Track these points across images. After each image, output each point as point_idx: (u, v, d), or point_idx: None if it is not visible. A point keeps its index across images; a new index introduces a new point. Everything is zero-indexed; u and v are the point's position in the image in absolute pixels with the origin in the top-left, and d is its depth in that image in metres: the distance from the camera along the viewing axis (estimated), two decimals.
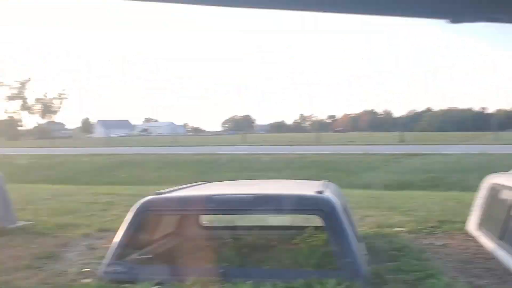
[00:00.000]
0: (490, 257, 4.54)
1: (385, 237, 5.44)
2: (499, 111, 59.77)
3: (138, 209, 4.04)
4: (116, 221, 6.65)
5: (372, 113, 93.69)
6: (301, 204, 3.94)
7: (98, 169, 16.69)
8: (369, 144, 23.34)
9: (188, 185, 5.21)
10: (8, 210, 6.46)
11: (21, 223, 6.51)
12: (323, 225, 3.92)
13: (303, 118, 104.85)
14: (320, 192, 3.99)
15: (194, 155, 18.18)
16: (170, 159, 18.00)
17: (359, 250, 3.85)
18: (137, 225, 4.01)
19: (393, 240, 5.28)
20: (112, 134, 45.98)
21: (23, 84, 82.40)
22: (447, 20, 0.68)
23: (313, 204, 3.90)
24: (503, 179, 5.23)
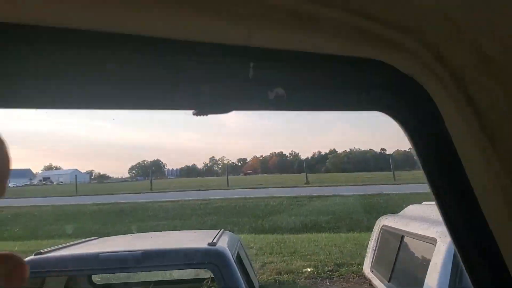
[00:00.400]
0: None
1: (283, 285, 5.52)
2: (397, 151, 64.61)
3: None
4: None
5: (280, 155, 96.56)
6: (192, 258, 3.87)
7: None
8: (277, 186, 23.89)
9: (76, 242, 4.91)
10: None
11: None
12: (215, 279, 3.88)
13: (214, 161, 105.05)
14: (212, 244, 3.97)
15: (96, 204, 17.26)
16: (69, 209, 16.93)
17: None
18: None
19: (291, 287, 5.37)
20: (10, 185, 42.20)
21: None
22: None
23: (204, 257, 3.85)
24: (391, 221, 5.55)
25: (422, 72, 0.79)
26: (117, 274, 5.76)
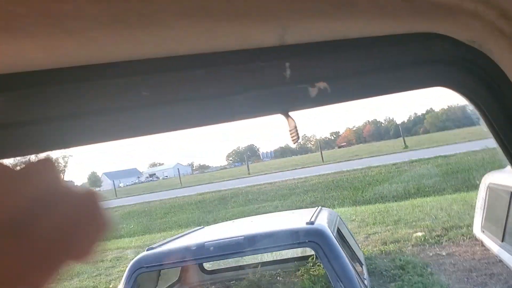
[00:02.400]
0: (495, 261, 4.46)
1: (389, 255, 5.37)
2: None
3: (131, 268, 4.02)
4: (121, 279, 6.63)
5: (374, 122, 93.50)
6: (292, 239, 3.90)
7: None
8: (374, 155, 23.24)
9: (181, 234, 5.19)
10: None
11: None
12: (317, 256, 3.88)
13: (306, 138, 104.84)
14: (310, 222, 3.96)
15: (200, 194, 18.12)
16: (176, 202, 17.97)
17: (358, 276, 3.79)
18: (132, 285, 3.98)
19: (397, 257, 5.20)
20: (120, 185, 45.99)
21: None
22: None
23: (304, 237, 3.86)
24: (499, 177, 5.14)
25: (485, 37, 0.68)
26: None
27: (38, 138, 0.65)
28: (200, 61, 0.66)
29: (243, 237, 3.93)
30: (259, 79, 0.68)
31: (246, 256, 5.98)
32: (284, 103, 0.70)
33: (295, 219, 4.84)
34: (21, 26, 0.54)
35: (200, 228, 5.64)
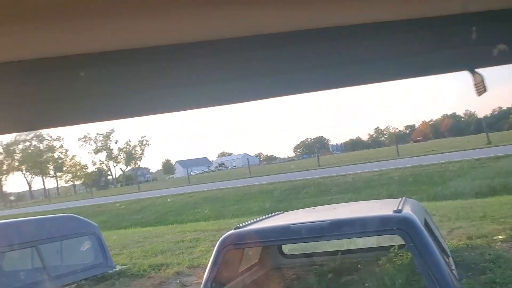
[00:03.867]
0: None
1: (477, 249, 5.18)
2: None
3: (220, 244, 4.22)
4: (203, 257, 6.94)
5: (453, 116, 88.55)
6: (380, 226, 3.89)
7: (182, 208, 17.39)
8: (453, 150, 22.16)
9: (265, 216, 5.34)
10: (106, 257, 6.99)
11: (118, 268, 6.99)
12: (405, 244, 3.84)
13: (379, 131, 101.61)
14: (398, 211, 3.93)
15: (271, 183, 18.34)
16: (247, 190, 18.33)
17: (447, 265, 3.71)
18: (221, 260, 4.17)
19: (486, 251, 5.00)
20: (192, 173, 47.72)
21: (107, 137, 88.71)
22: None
23: (392, 224, 3.84)
24: None
25: None
26: (304, 245, 6.12)
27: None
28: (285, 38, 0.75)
29: (328, 222, 3.98)
30: (447, 40, 0.74)
31: (326, 244, 6.04)
32: (470, 60, 0.75)
33: (380, 208, 4.81)
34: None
35: (280, 213, 5.77)
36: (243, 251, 4.83)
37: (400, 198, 4.95)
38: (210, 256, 6.75)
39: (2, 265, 6.17)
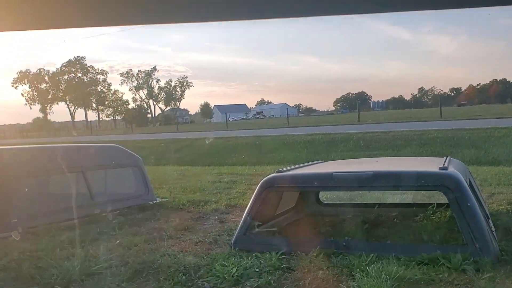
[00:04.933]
0: None
1: None
2: None
3: (262, 185, 4.33)
4: (240, 198, 7.15)
5: (503, 82, 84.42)
6: (424, 181, 3.89)
7: (220, 151, 17.73)
8: (500, 117, 21.33)
9: (306, 164, 5.41)
10: (147, 189, 7.30)
11: (159, 200, 7.31)
12: (448, 201, 3.83)
13: (423, 92, 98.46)
14: (444, 168, 3.90)
15: (308, 135, 18.33)
16: (284, 140, 18.40)
17: (487, 226, 3.70)
18: (262, 201, 4.30)
19: None
20: (229, 118, 48.31)
21: (148, 74, 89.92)
22: None
23: (438, 181, 3.83)
24: None
25: None
26: (341, 195, 6.20)
27: None
28: None
29: (372, 173, 4.00)
30: None
31: (362, 196, 6.09)
32: None
33: (424, 164, 4.77)
34: None
35: (320, 162, 5.82)
36: (282, 194, 4.95)
37: (445, 157, 4.89)
38: (246, 198, 6.98)
39: (50, 187, 6.53)
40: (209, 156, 16.68)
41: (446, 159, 4.52)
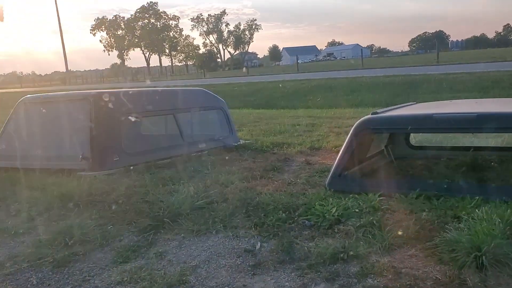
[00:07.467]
0: None
1: None
2: None
3: (357, 128, 4.29)
4: (323, 140, 7.15)
5: None
6: None
7: (293, 94, 17.65)
8: None
9: (398, 105, 5.25)
10: (232, 130, 7.51)
11: (242, 142, 7.51)
12: None
13: (509, 29, 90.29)
14: None
15: (387, 76, 17.65)
16: (359, 82, 17.87)
17: None
18: (357, 142, 4.28)
19: None
20: (299, 61, 47.41)
21: (218, 19, 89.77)
22: None
23: None
24: None
25: None
26: (431, 138, 6.01)
27: None
28: None
29: (476, 114, 3.81)
30: None
31: (454, 139, 5.87)
32: None
33: None
34: None
35: (413, 103, 5.62)
36: (377, 136, 4.88)
37: None
38: (330, 141, 6.97)
39: (142, 129, 6.91)
40: (283, 99, 16.68)
41: None
